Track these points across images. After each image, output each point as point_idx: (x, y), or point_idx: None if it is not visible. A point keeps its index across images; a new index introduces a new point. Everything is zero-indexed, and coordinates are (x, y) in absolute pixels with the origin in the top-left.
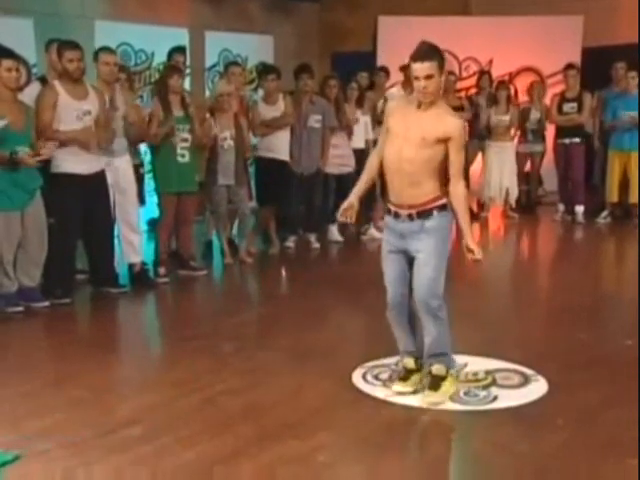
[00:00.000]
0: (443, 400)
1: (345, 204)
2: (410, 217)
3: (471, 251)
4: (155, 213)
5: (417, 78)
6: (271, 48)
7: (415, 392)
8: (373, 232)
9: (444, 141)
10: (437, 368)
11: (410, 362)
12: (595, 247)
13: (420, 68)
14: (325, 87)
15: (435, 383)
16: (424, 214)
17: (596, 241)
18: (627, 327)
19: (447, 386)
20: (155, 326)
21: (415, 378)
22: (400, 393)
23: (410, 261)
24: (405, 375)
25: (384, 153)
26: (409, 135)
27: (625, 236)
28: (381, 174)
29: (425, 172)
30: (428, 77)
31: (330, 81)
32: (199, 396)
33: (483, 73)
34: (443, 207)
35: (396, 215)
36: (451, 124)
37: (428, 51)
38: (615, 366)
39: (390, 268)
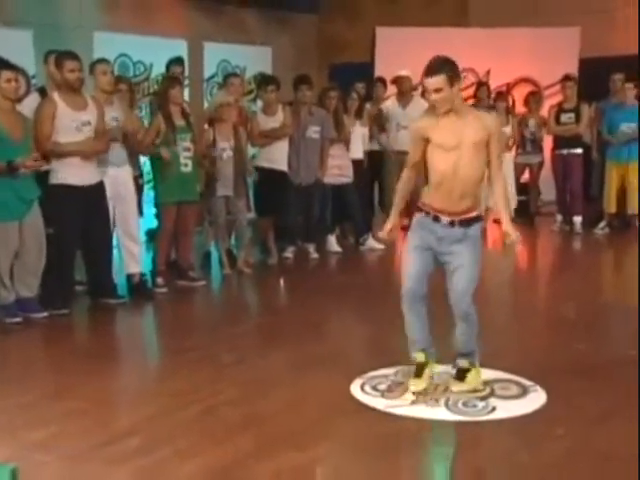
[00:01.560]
0: (470, 388)
1: (388, 225)
2: (452, 224)
3: (509, 236)
4: (153, 224)
5: (428, 92)
6: (269, 59)
7: (421, 395)
8: (372, 243)
9: (487, 142)
10: (462, 362)
11: (421, 356)
12: (593, 257)
13: (429, 82)
14: (325, 98)
15: (461, 374)
16: (466, 222)
17: (594, 251)
18: (626, 337)
19: (473, 376)
20: (153, 337)
21: (427, 372)
22: (416, 393)
23: (435, 261)
24: (418, 371)
25: (433, 166)
26: (461, 144)
27: (623, 246)
28: (380, 183)
29: (477, 180)
30: (437, 91)
31: (330, 92)
32: (198, 407)
33: (481, 84)
34: (480, 217)
35: (435, 218)
36: (488, 120)
37: (437, 65)
38: (614, 376)
39: (414, 262)
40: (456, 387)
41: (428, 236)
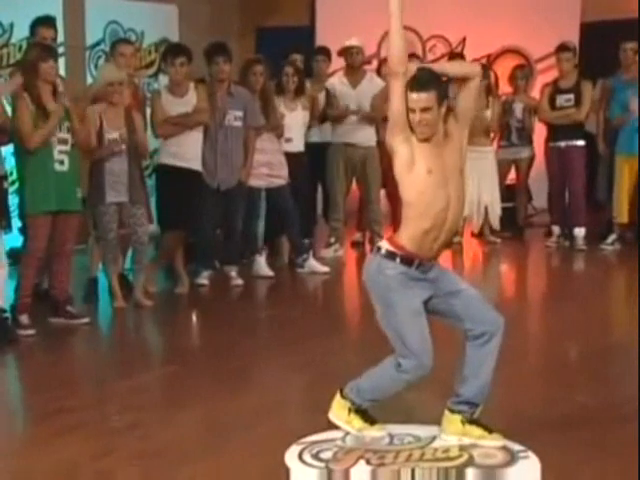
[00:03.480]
0: (459, 437)
1: None
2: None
3: None
4: (17, 241)
5: (412, 110)
6: (175, 21)
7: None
8: (313, 264)
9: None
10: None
11: None
12: (600, 282)
13: (416, 99)
14: (249, 74)
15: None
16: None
17: (601, 273)
18: None
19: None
20: (15, 396)
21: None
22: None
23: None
24: (372, 417)
25: (421, 200)
26: (448, 171)
27: (638, 266)
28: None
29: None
30: (425, 110)
31: (255, 67)
32: None
33: (454, 56)
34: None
35: (419, 265)
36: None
37: (427, 80)
38: (623, 438)
39: (422, 328)
40: (442, 433)
41: (423, 289)
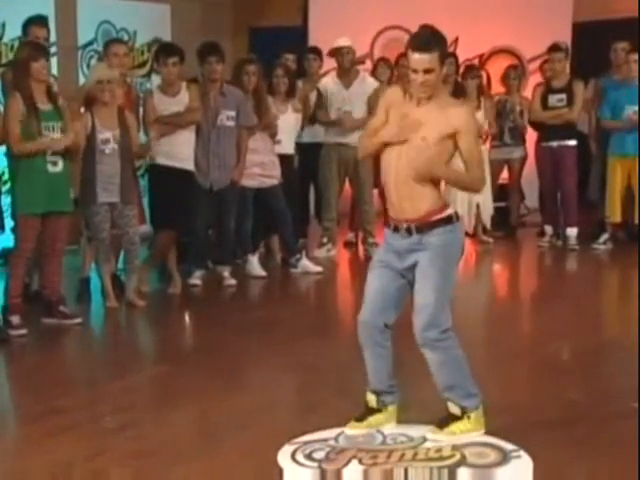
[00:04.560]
0: (446, 441)
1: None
2: (409, 231)
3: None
4: (9, 241)
5: (415, 71)
6: (168, 20)
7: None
8: (306, 264)
9: (450, 138)
10: (452, 407)
11: (372, 399)
12: (592, 281)
13: (419, 60)
14: (241, 74)
15: (444, 421)
16: (424, 228)
17: (593, 273)
18: (633, 384)
19: (459, 427)
20: (6, 397)
21: (373, 420)
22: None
23: (404, 286)
24: (361, 415)
25: (382, 166)
26: (410, 138)
27: (630, 266)
28: (317, 185)
29: (426, 179)
30: (428, 71)
31: (248, 66)
32: None
33: (446, 56)
34: (449, 220)
35: (395, 229)
36: (455, 116)
37: (430, 40)
38: (615, 436)
39: (372, 282)
40: (431, 435)
41: (388, 255)
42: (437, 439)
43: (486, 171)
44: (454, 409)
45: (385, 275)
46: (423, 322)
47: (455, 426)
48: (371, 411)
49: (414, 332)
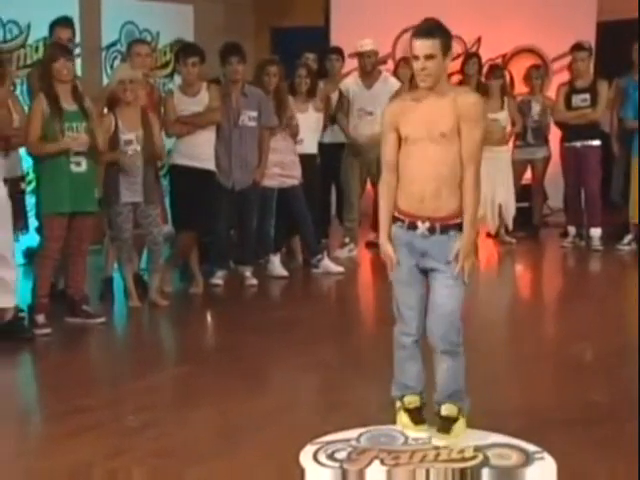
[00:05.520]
0: (456, 442)
1: (387, 260)
2: (431, 230)
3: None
4: (34, 241)
5: (416, 57)
6: (191, 21)
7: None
8: (327, 264)
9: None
10: (450, 409)
11: (415, 399)
12: (616, 282)
13: (420, 45)
14: (263, 74)
15: (447, 425)
16: (446, 230)
17: (617, 274)
18: None
19: (460, 426)
20: (31, 396)
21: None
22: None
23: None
24: (415, 416)
25: (401, 164)
26: (429, 134)
27: (638, 266)
28: (338, 185)
29: (452, 178)
30: (429, 57)
31: (269, 67)
32: None
33: (469, 56)
34: (461, 226)
35: (411, 226)
36: (460, 102)
37: (431, 27)
38: (638, 437)
39: (410, 289)
40: (442, 441)
41: (409, 255)
42: (448, 443)
43: (508, 169)
44: (453, 411)
45: (417, 280)
46: (446, 328)
47: (457, 428)
48: (420, 408)
49: (432, 339)
